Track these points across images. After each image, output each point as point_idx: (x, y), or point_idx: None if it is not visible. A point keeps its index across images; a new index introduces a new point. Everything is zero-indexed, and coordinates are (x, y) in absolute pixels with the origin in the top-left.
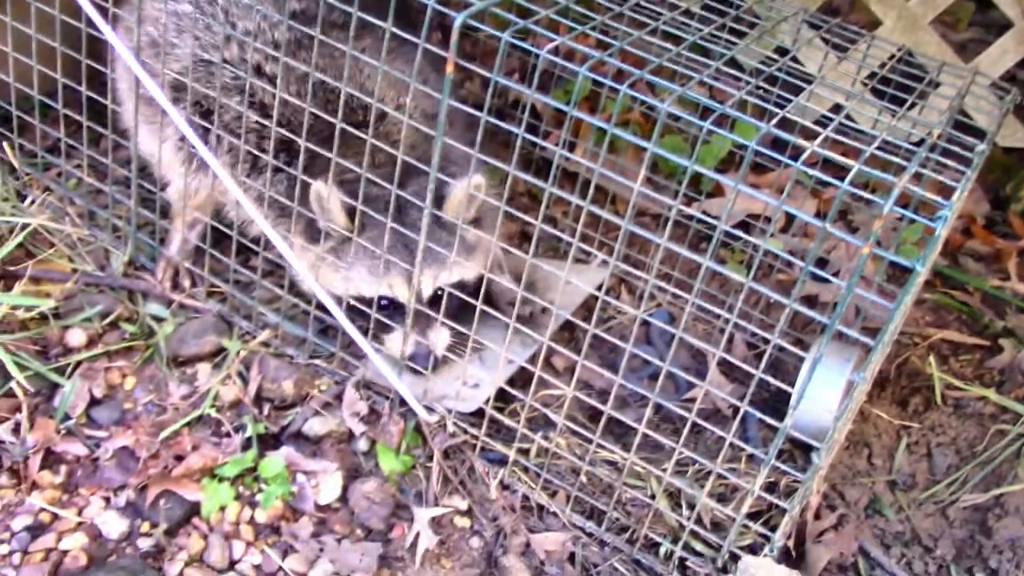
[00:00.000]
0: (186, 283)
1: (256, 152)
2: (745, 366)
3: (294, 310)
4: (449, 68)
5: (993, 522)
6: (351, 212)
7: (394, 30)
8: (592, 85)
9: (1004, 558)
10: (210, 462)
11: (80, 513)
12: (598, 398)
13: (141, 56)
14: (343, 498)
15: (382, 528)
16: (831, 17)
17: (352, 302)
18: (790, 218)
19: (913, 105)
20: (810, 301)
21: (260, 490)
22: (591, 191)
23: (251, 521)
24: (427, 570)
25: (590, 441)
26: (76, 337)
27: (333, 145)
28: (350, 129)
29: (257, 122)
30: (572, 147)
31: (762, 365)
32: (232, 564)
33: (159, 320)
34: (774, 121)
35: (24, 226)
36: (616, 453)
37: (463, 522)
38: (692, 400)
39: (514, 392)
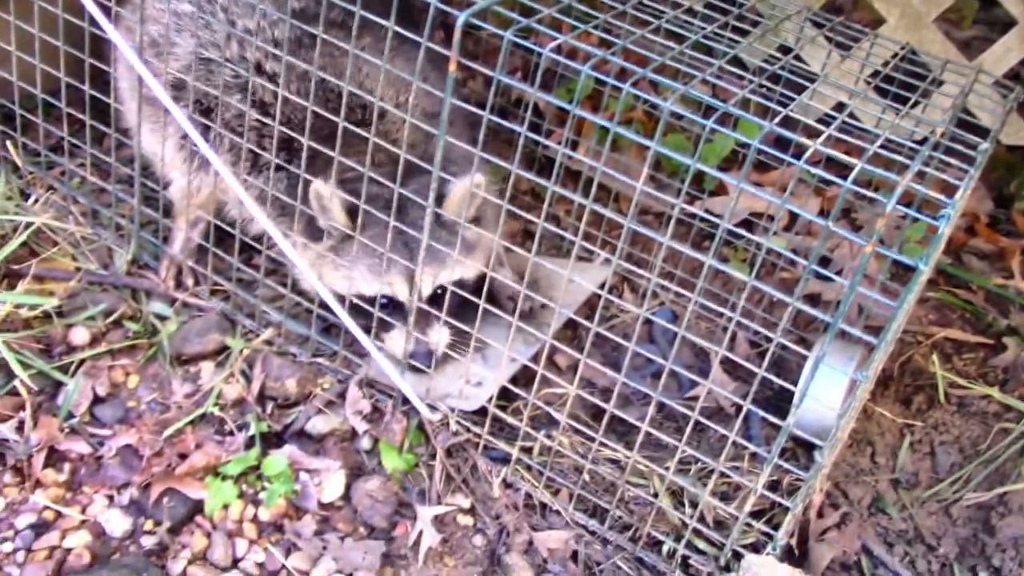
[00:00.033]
0: (189, 281)
1: (256, 150)
2: (748, 364)
3: (297, 308)
4: (452, 67)
5: (996, 520)
6: (350, 211)
7: (396, 29)
8: (595, 84)
9: (1007, 556)
10: (213, 460)
11: (84, 511)
12: (601, 396)
13: (142, 56)
14: (346, 496)
15: (385, 526)
16: (834, 15)
17: (354, 300)
18: (793, 216)
19: (916, 103)
20: (813, 299)
21: (263, 488)
22: (594, 189)
23: (254, 519)
24: (430, 568)
25: (593, 439)
26: (79, 335)
27: (332, 144)
28: (351, 127)
29: (258, 120)
30: (575, 146)
31: (765, 363)
32: (235, 562)
33: (162, 318)
34: (777, 119)
35: (28, 225)
36: (619, 451)
37: (466, 520)
38: (695, 398)
39: (517, 390)
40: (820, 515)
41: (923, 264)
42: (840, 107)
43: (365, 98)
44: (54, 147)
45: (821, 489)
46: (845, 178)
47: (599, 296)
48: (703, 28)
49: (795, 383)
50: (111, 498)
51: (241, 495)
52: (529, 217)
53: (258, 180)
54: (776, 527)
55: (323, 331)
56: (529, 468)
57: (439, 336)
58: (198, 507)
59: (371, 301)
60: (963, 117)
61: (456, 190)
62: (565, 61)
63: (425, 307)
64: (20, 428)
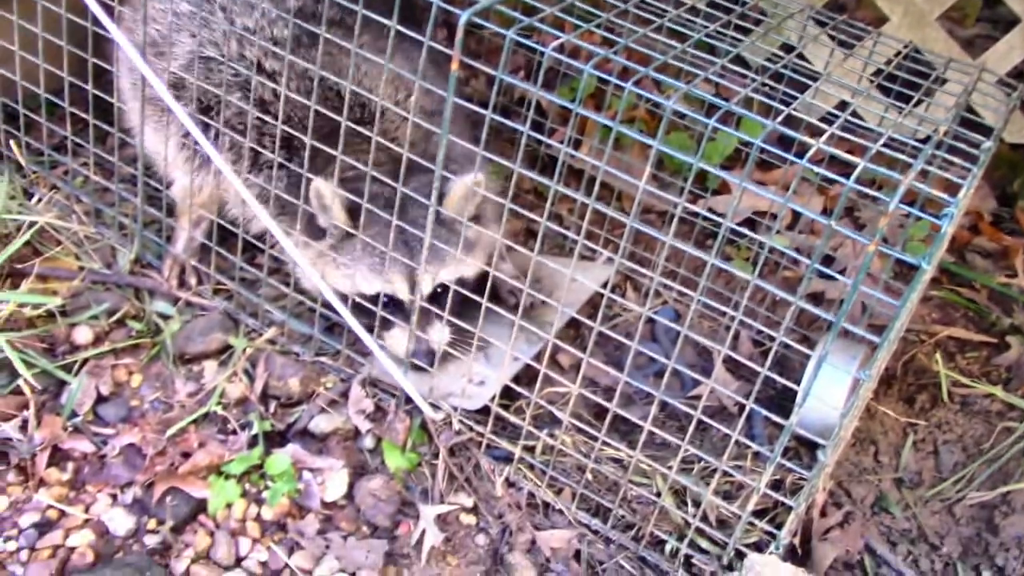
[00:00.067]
0: (192, 281)
1: (257, 148)
2: (751, 363)
3: (300, 307)
4: (454, 65)
5: (1000, 520)
6: (350, 209)
7: (399, 28)
8: (597, 82)
9: (1011, 556)
10: (216, 459)
11: (87, 510)
12: (604, 395)
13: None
14: (349, 495)
15: (388, 525)
16: (837, 13)
17: (356, 299)
18: (796, 215)
19: (920, 102)
20: (816, 298)
21: (266, 487)
22: (596, 188)
23: (257, 518)
24: (433, 567)
25: (596, 438)
26: (83, 335)
27: (330, 142)
28: (351, 126)
29: (257, 118)
30: (577, 144)
31: (768, 362)
32: (238, 561)
33: (165, 318)
34: (780, 118)
35: (31, 224)
36: (622, 450)
37: (469, 519)
38: (698, 397)
39: (520, 389)
40: (823, 514)
41: (926, 263)
42: (843, 105)
43: (364, 96)
44: (57, 146)
45: (824, 488)
46: (848, 177)
47: (602, 295)
48: (706, 27)
49: (798, 382)
50: (114, 497)
51: (244, 494)
52: (532, 216)
53: (258, 179)
54: (779, 526)
55: (326, 330)
56: (532, 467)
57: (439, 335)
58: (201, 506)
59: (372, 300)
60: (966, 115)
61: (456, 188)
62: (568, 60)
63: (426, 305)
64: (24, 427)
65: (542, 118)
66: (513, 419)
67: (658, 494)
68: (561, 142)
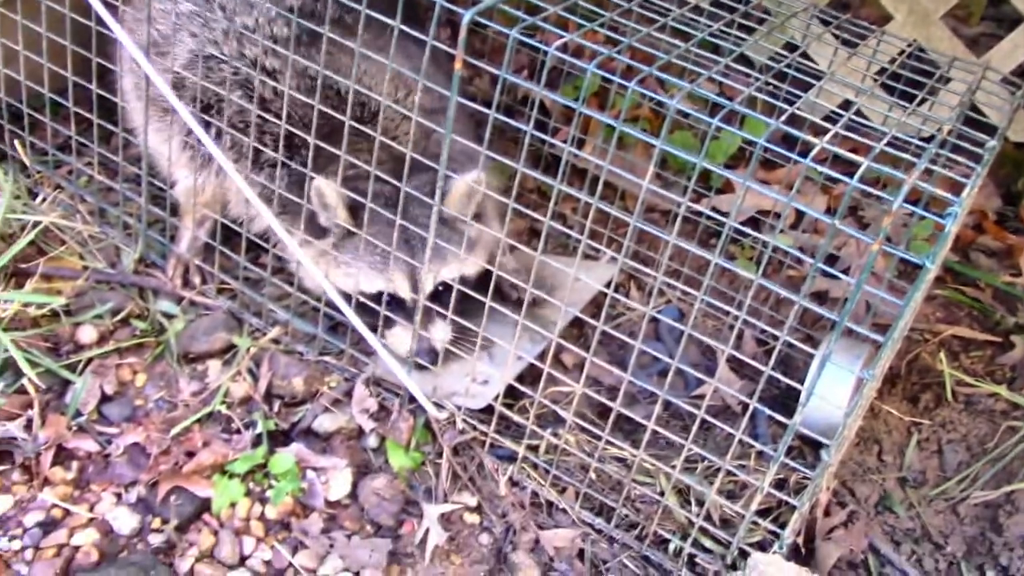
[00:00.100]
0: (196, 280)
1: (258, 146)
2: (754, 363)
3: (304, 307)
4: (457, 65)
5: (1004, 519)
6: (352, 208)
7: (402, 27)
8: (601, 82)
9: (1015, 555)
10: (221, 458)
11: (91, 509)
12: (607, 395)
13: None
14: (353, 494)
15: (392, 524)
16: (841, 12)
17: (359, 298)
18: (800, 214)
19: (924, 100)
20: (820, 298)
21: (270, 486)
22: (600, 188)
23: (261, 517)
24: (436, 566)
25: (599, 438)
26: (87, 334)
27: (331, 141)
28: (354, 124)
29: (258, 116)
30: (581, 144)
31: (771, 362)
32: (242, 560)
33: (169, 317)
34: (784, 117)
35: (35, 224)
36: (625, 450)
37: (472, 518)
38: (701, 397)
39: (523, 389)
40: (827, 513)
41: (930, 262)
42: (847, 104)
43: (364, 95)
44: (62, 146)
45: (828, 487)
46: (852, 176)
47: (605, 294)
48: (709, 26)
49: (802, 381)
50: (119, 496)
51: (248, 493)
52: (535, 215)
53: (259, 177)
54: (783, 525)
55: (330, 329)
56: (535, 466)
57: (442, 333)
58: (205, 505)
59: (374, 298)
60: (971, 114)
61: (457, 187)
62: (571, 59)
63: (428, 304)
64: (28, 426)
65: (546, 117)
66: (517, 418)
67: (662, 493)
68: (565, 141)
